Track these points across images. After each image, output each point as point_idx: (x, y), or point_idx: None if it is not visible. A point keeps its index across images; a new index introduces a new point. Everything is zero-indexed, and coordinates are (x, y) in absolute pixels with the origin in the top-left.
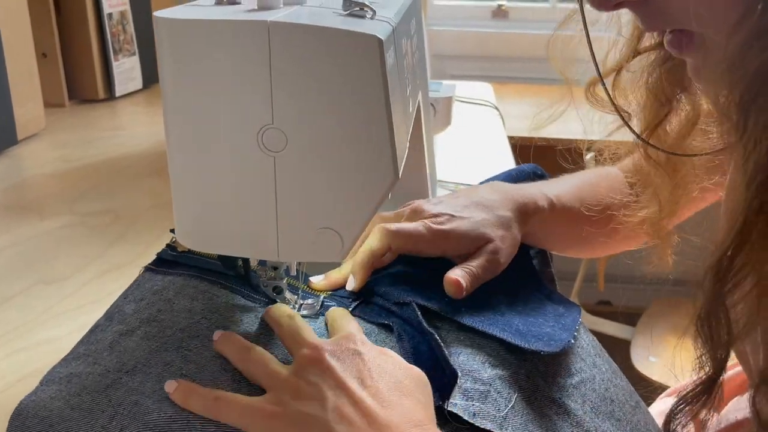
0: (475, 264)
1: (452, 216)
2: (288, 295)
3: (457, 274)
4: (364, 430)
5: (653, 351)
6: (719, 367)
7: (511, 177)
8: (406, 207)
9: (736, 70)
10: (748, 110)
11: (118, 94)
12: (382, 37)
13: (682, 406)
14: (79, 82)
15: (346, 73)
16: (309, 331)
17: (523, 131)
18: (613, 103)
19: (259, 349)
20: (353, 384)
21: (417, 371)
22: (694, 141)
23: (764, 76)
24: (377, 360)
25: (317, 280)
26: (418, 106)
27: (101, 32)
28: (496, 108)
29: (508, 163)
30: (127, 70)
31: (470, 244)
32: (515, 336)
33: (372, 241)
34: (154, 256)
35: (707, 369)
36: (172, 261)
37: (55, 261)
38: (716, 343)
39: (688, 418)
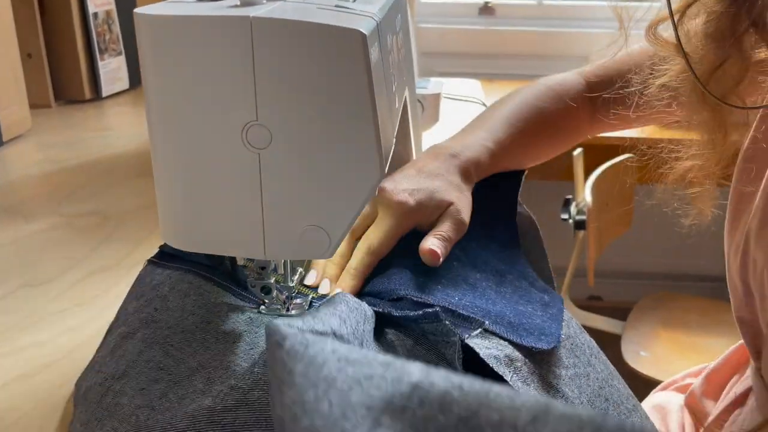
0: (444, 229)
1: (413, 190)
2: (276, 294)
3: (431, 243)
4: None
5: (644, 345)
6: None
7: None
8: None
9: None
10: None
11: (104, 94)
12: (365, 32)
13: None
14: (64, 82)
15: (329, 68)
16: None
17: None
18: (679, 42)
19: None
20: None
21: None
22: (747, 91)
23: None
24: None
25: (311, 280)
26: (405, 103)
27: (86, 32)
28: (485, 105)
29: None
30: (113, 70)
31: (435, 212)
32: (507, 330)
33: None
34: (144, 257)
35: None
36: (173, 254)
37: (40, 263)
38: None
39: None
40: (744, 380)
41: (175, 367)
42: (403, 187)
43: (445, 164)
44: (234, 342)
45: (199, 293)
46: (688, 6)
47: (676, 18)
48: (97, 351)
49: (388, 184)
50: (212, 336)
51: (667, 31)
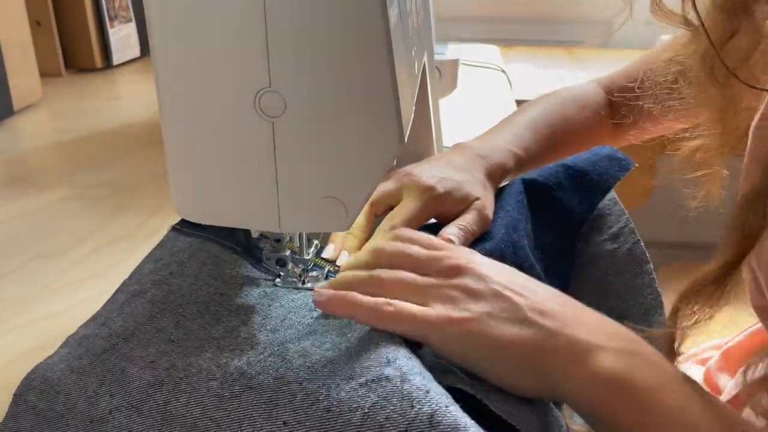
0: (467, 220)
1: (441, 178)
2: (291, 267)
3: (451, 232)
4: (562, 313)
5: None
6: (739, 256)
7: (586, 161)
8: (395, 174)
9: None
10: None
11: (115, 62)
12: None
13: (688, 294)
14: (75, 50)
15: (347, 29)
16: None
17: (532, 94)
18: (685, 14)
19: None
20: (511, 285)
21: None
22: (758, 65)
23: None
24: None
25: (330, 253)
26: (424, 69)
27: None
28: (503, 71)
29: None
30: (123, 38)
31: (460, 204)
32: None
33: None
34: (157, 227)
35: (726, 255)
36: (196, 223)
37: (53, 234)
38: (746, 230)
39: (693, 310)
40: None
41: (186, 339)
42: (432, 173)
43: (474, 162)
44: (247, 315)
45: (216, 263)
46: None
47: None
48: (105, 304)
49: (416, 169)
50: (225, 309)
51: (672, 2)
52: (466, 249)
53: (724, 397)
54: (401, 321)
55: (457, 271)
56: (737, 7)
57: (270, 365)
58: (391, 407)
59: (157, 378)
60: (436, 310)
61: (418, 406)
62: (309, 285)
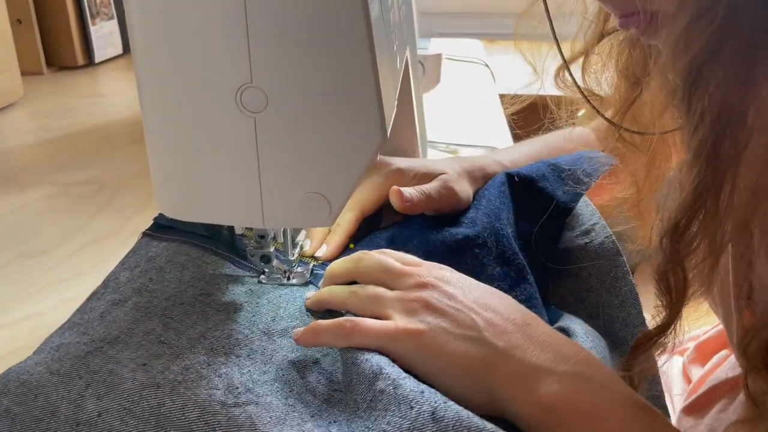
0: (427, 187)
1: (408, 163)
2: (276, 263)
3: (407, 191)
4: (518, 334)
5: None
6: (672, 319)
7: (568, 159)
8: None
9: (683, 48)
10: (693, 88)
11: (97, 60)
12: None
13: (641, 345)
14: (56, 48)
15: (328, 23)
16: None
17: (515, 88)
18: (579, 90)
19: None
20: (473, 304)
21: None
22: (671, 118)
23: (707, 55)
24: (461, 279)
25: (318, 250)
26: (406, 64)
27: None
28: (486, 65)
29: (500, 121)
30: (105, 35)
31: (423, 177)
32: None
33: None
34: (142, 225)
35: (663, 317)
36: (168, 226)
37: (37, 233)
38: (672, 299)
39: (645, 355)
40: (735, 365)
41: (177, 339)
42: (403, 162)
43: (451, 161)
44: (235, 312)
45: (196, 265)
46: (597, 42)
47: (581, 60)
48: (78, 312)
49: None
50: (212, 308)
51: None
52: (440, 266)
53: (694, 387)
54: (363, 335)
55: (423, 286)
56: (639, 75)
57: (277, 390)
58: (391, 413)
59: (152, 380)
60: (395, 323)
61: (417, 406)
62: (294, 281)
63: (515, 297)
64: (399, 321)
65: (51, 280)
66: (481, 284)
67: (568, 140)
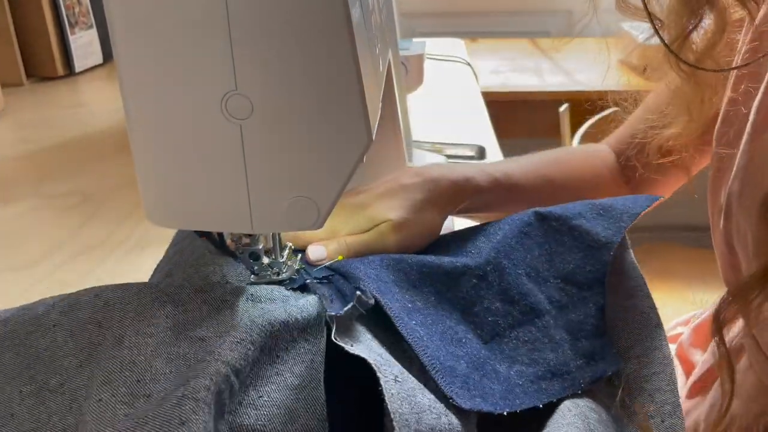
0: (352, 237)
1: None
2: (266, 260)
3: (326, 244)
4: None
5: None
6: None
7: (608, 199)
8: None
9: None
10: None
11: (77, 69)
12: None
13: (730, 298)
14: (36, 59)
15: (309, 30)
16: None
17: (497, 86)
18: (646, 7)
19: None
20: None
21: None
22: (722, 53)
23: None
24: None
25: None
26: (389, 66)
27: (55, 5)
28: (468, 64)
29: (483, 119)
30: (85, 45)
31: (365, 224)
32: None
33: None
34: (128, 234)
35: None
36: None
37: (23, 246)
38: None
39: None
40: (735, 339)
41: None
42: (356, 198)
43: (420, 180)
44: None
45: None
46: None
47: None
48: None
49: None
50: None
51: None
52: None
53: (697, 372)
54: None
55: None
56: (699, 2)
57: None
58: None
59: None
60: None
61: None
62: (285, 275)
63: (516, 337)
64: None
65: (39, 293)
66: None
67: (569, 152)
